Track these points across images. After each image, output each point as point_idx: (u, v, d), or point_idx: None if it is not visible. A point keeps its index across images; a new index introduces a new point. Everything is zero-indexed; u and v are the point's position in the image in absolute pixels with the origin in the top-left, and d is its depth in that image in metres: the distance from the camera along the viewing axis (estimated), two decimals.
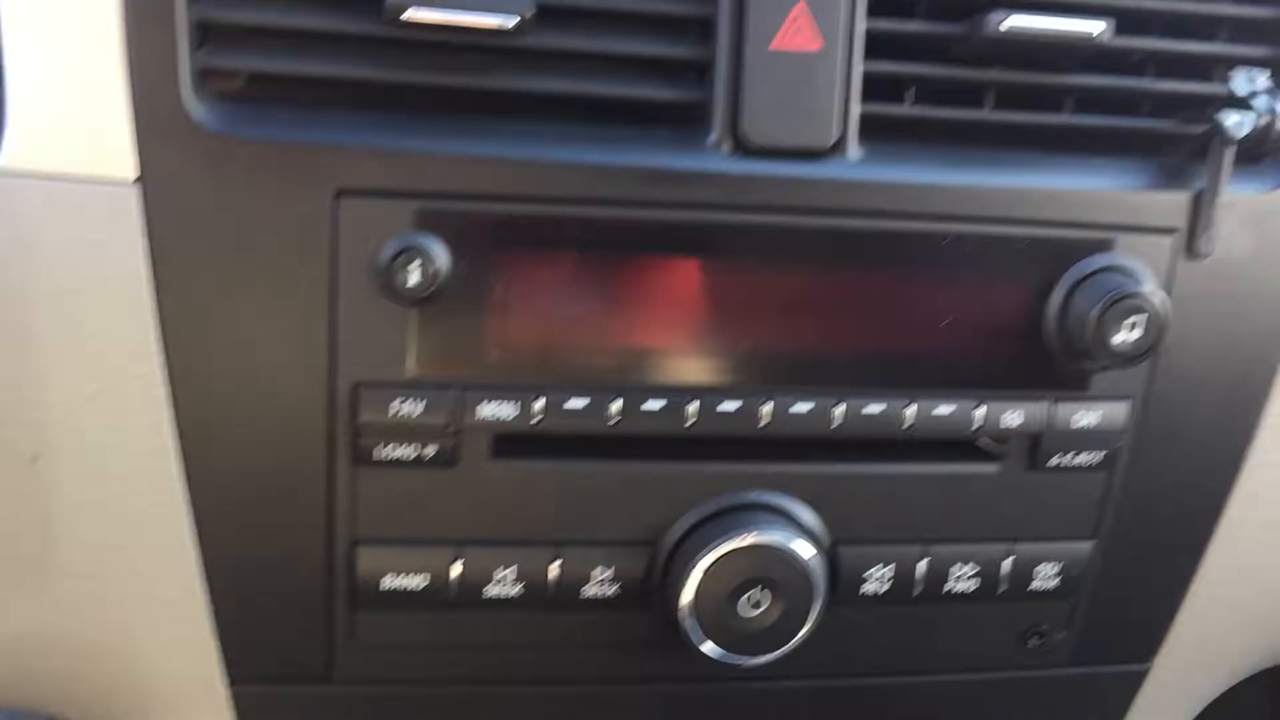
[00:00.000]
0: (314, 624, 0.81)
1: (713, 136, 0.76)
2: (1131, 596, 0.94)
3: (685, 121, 0.76)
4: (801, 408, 0.80)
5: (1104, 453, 0.86)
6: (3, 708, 0.92)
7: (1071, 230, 0.81)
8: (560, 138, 0.74)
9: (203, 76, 0.71)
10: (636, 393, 0.78)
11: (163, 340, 0.73)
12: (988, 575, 0.87)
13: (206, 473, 0.76)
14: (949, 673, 0.93)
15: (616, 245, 0.75)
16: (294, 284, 0.73)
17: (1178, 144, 0.83)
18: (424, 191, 0.72)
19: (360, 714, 0.87)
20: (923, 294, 0.80)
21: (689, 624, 0.80)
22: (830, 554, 0.84)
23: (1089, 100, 0.82)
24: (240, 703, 0.84)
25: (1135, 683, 0.98)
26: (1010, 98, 0.82)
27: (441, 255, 0.73)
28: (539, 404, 0.76)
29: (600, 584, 0.82)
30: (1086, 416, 0.84)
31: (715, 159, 0.76)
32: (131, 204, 0.70)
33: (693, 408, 0.78)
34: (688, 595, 0.80)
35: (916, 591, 0.86)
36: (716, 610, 0.80)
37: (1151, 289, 0.79)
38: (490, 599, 0.81)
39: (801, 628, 0.82)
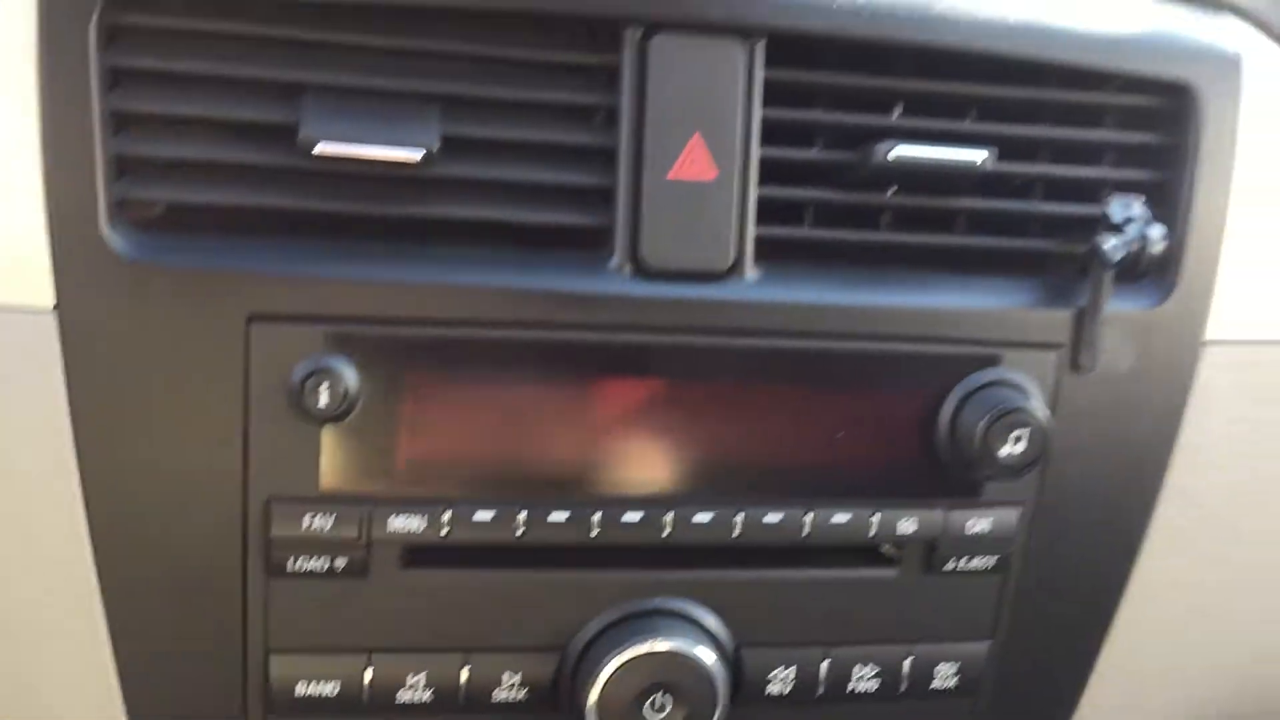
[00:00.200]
0: None
1: (614, 260, 0.79)
2: (1031, 693, 0.97)
3: (589, 245, 0.80)
4: (703, 517, 0.83)
5: (997, 557, 0.89)
6: None
7: (961, 346, 0.85)
8: (467, 262, 0.78)
9: (120, 207, 0.74)
10: (541, 505, 0.80)
11: (79, 460, 0.75)
12: (889, 675, 0.90)
13: (123, 586, 0.79)
14: None
15: (521, 366, 0.79)
16: (208, 404, 0.75)
17: (1064, 262, 0.87)
18: (333, 316, 0.75)
19: None
20: (820, 408, 0.84)
21: None
22: (734, 657, 0.87)
23: (982, 220, 0.86)
24: None
25: None
26: (906, 219, 0.86)
27: (351, 376, 0.76)
28: (447, 516, 0.79)
29: (510, 688, 0.84)
30: (979, 523, 0.88)
31: (617, 282, 0.79)
32: (49, 330, 0.73)
33: (597, 518, 0.81)
34: (593, 699, 0.83)
35: (819, 692, 0.89)
36: (621, 714, 0.83)
37: (1036, 404, 0.83)
38: (402, 704, 0.83)
39: None
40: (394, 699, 0.83)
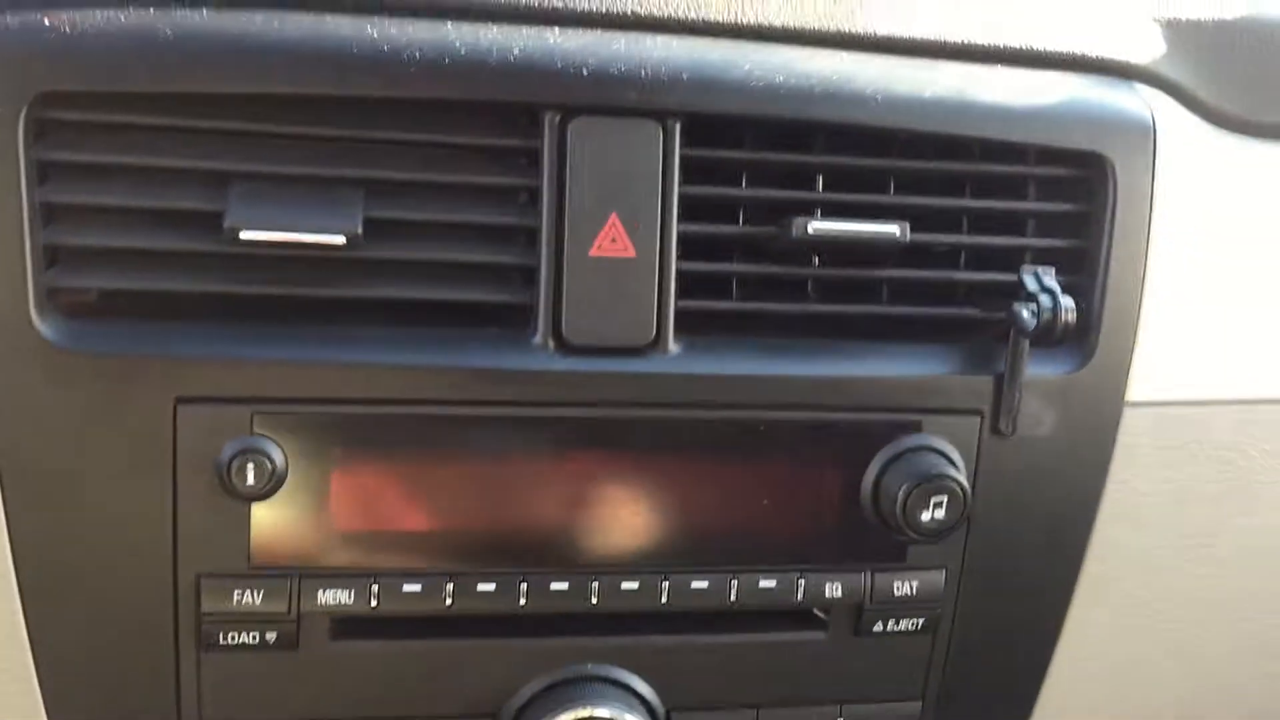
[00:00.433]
0: None
1: (537, 337, 0.81)
2: None
3: (512, 323, 0.82)
4: (630, 585, 0.85)
5: (924, 618, 0.91)
6: None
7: (883, 414, 0.87)
8: (392, 342, 0.80)
9: (51, 295, 0.76)
10: (468, 576, 0.82)
11: (10, 539, 0.77)
12: None
13: (57, 660, 0.80)
14: None
15: (447, 441, 0.81)
16: (137, 484, 0.77)
17: (986, 329, 0.89)
18: (259, 397, 0.77)
19: None
20: (744, 476, 0.86)
21: None
22: None
23: (908, 289, 0.88)
24: None
25: None
26: (831, 288, 0.87)
27: (278, 455, 0.78)
28: (375, 589, 0.81)
29: None
30: (905, 585, 0.90)
31: (540, 358, 0.81)
32: None
33: (524, 588, 0.83)
34: None
35: None
36: None
37: (955, 470, 0.85)
38: None
39: None
40: None
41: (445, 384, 0.80)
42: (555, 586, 0.84)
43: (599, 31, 0.82)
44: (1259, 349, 0.95)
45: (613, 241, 0.81)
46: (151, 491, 0.78)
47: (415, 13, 0.79)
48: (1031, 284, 0.85)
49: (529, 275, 0.82)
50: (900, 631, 0.91)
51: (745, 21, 0.85)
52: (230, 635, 0.80)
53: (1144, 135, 0.90)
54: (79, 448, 0.76)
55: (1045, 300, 0.84)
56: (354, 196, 0.78)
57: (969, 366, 0.88)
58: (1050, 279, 0.85)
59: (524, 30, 0.80)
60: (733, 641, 0.89)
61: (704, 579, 0.85)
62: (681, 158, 0.82)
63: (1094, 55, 0.91)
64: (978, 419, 0.88)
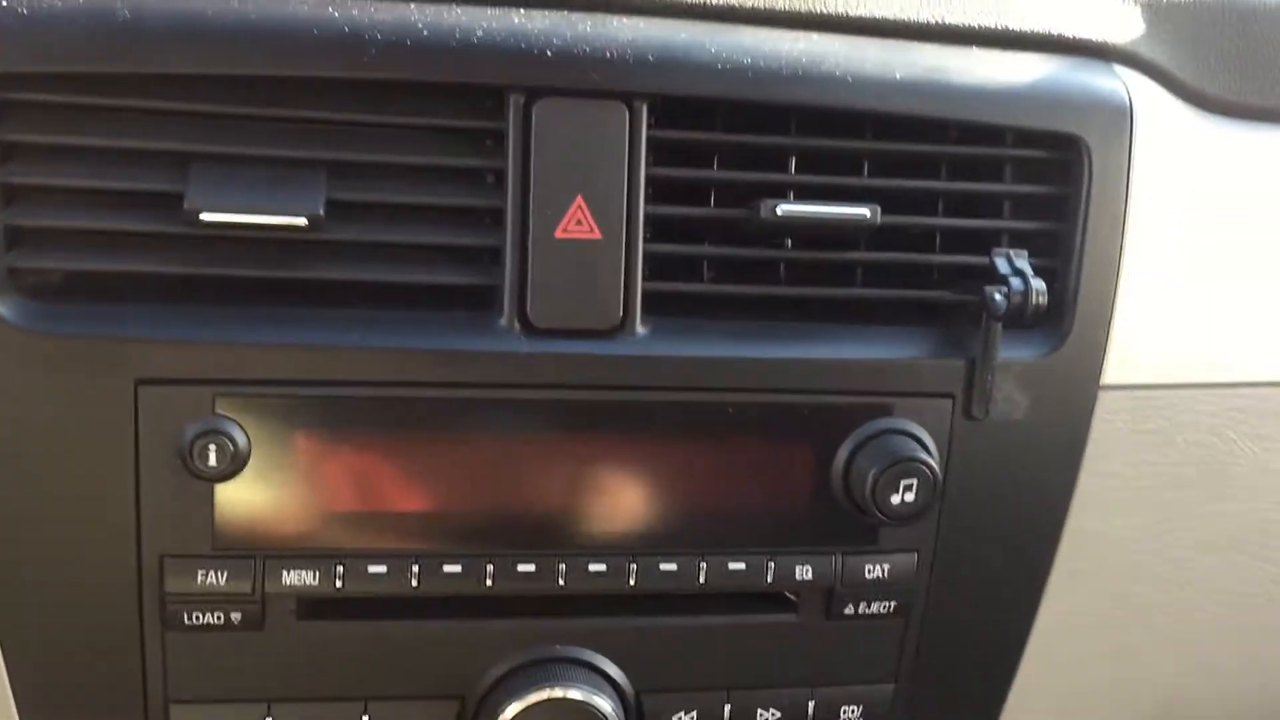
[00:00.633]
0: None
1: (502, 319, 0.81)
2: None
3: (477, 305, 0.82)
4: (598, 567, 0.85)
5: (896, 602, 0.90)
6: None
7: (853, 397, 0.86)
8: (355, 324, 0.80)
9: (13, 276, 0.76)
10: (434, 557, 0.82)
11: None
12: (792, 718, 0.91)
13: (23, 641, 0.81)
14: None
15: (410, 423, 0.80)
16: (100, 465, 0.78)
17: (960, 313, 0.89)
18: (220, 379, 0.77)
19: None
20: (714, 459, 0.86)
21: None
22: (635, 702, 0.88)
23: (882, 271, 0.88)
24: None
25: None
26: (803, 272, 0.87)
27: (240, 436, 0.78)
28: (340, 570, 0.81)
29: None
30: (876, 569, 0.89)
31: (505, 340, 0.81)
32: None
33: (491, 569, 0.83)
34: None
35: None
36: None
37: (926, 453, 0.84)
38: None
39: None
40: None
41: (409, 366, 0.80)
42: (522, 568, 0.84)
43: (565, 12, 0.81)
44: (1238, 332, 0.94)
45: (578, 224, 0.81)
46: (114, 473, 0.78)
47: None
48: (1003, 266, 0.85)
49: (494, 257, 0.81)
50: (872, 614, 0.90)
51: (713, 2, 0.84)
52: (195, 615, 0.81)
53: (1120, 117, 0.89)
54: (40, 429, 0.76)
55: (1016, 282, 0.83)
56: (316, 178, 0.78)
57: (941, 350, 0.87)
58: (1022, 261, 0.85)
59: (488, 10, 0.80)
60: (703, 624, 0.89)
61: (672, 561, 0.85)
62: (650, 139, 0.81)
63: (1070, 35, 0.90)
64: (950, 402, 0.88)
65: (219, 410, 0.77)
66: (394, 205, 0.80)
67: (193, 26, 0.75)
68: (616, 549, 0.85)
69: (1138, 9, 0.93)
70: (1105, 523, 0.95)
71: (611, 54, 0.79)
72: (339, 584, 0.81)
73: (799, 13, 0.85)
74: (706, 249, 0.84)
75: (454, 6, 0.79)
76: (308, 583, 0.81)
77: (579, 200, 0.80)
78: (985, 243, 0.88)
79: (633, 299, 0.82)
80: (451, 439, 0.82)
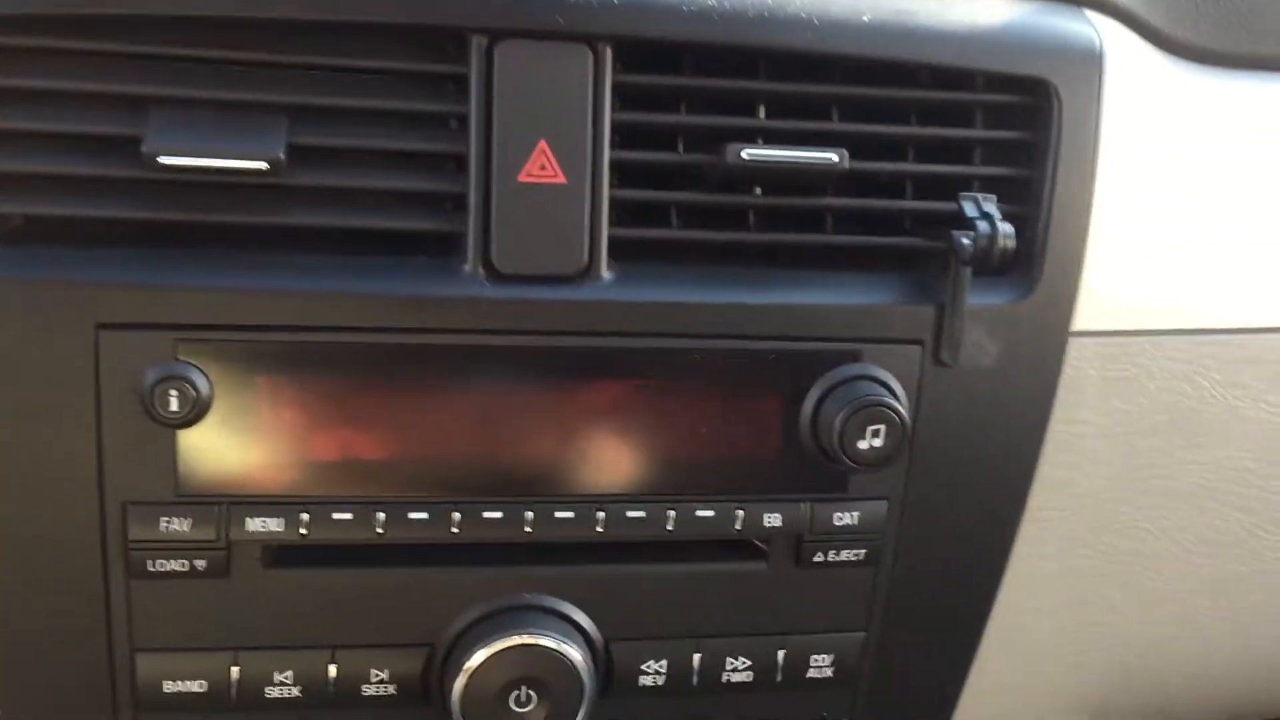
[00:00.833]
0: None
1: (467, 265, 0.80)
2: (912, 682, 0.98)
3: (441, 251, 0.81)
4: (564, 514, 0.85)
5: (866, 549, 0.90)
6: None
7: (821, 343, 0.86)
8: (318, 269, 0.79)
9: None
10: (400, 504, 0.82)
11: None
12: (762, 666, 0.92)
13: None
14: None
15: (373, 369, 0.80)
16: (61, 411, 0.77)
17: (930, 259, 0.88)
18: (181, 323, 0.77)
19: None
20: (681, 405, 0.85)
21: None
22: (605, 650, 0.88)
23: (852, 218, 0.87)
24: None
25: None
26: (773, 218, 0.86)
27: (202, 382, 0.77)
28: (305, 517, 0.81)
29: (378, 684, 0.86)
30: (845, 516, 0.89)
31: (470, 285, 0.81)
32: None
33: (457, 517, 0.83)
34: (458, 691, 0.84)
35: (694, 683, 0.91)
36: (487, 707, 0.85)
37: (894, 399, 0.84)
38: (272, 700, 0.85)
39: None
40: (263, 695, 0.84)
41: (373, 311, 0.79)
42: (488, 515, 0.83)
43: None
44: (1209, 279, 0.94)
45: (542, 168, 0.80)
46: (75, 419, 0.77)
47: None
48: (971, 210, 0.84)
49: (458, 202, 0.81)
50: (842, 562, 0.90)
51: None
52: (159, 563, 0.80)
53: (1090, 61, 0.88)
54: (1, 375, 0.76)
55: (983, 226, 0.83)
56: (277, 122, 0.77)
57: (911, 295, 0.87)
58: (990, 205, 0.84)
59: None
60: (672, 572, 0.89)
61: (640, 508, 0.85)
62: (617, 84, 0.81)
63: None
64: (919, 349, 0.88)
65: (180, 356, 0.77)
66: (356, 150, 0.79)
67: None
68: (584, 496, 0.84)
69: None
70: (1076, 470, 0.94)
71: None
72: (304, 531, 0.81)
73: None
74: (673, 195, 0.84)
75: None
76: (272, 529, 0.81)
77: (542, 144, 0.80)
78: (955, 189, 0.88)
79: (598, 244, 0.82)
80: (416, 385, 0.81)
